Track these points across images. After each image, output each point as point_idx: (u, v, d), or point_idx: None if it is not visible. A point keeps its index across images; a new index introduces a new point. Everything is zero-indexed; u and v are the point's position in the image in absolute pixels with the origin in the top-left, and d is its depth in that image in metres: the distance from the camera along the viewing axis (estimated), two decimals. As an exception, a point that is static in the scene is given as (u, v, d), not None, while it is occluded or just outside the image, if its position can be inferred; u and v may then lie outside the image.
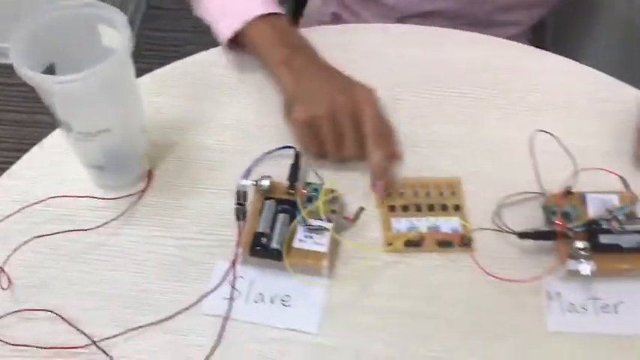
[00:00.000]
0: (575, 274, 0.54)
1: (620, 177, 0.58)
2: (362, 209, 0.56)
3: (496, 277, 0.55)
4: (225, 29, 0.68)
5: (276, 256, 0.54)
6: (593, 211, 0.58)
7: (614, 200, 0.59)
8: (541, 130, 0.61)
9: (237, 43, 0.70)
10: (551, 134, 0.62)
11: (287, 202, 0.57)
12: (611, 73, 0.71)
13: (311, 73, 0.63)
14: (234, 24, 0.67)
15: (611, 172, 0.59)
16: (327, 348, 0.52)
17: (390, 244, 0.57)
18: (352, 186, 0.61)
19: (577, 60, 0.72)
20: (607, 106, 0.68)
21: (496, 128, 0.66)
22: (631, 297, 0.55)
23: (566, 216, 0.58)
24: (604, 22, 1.02)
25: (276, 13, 0.67)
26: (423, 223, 0.58)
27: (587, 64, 0.72)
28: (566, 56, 0.73)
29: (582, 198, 0.59)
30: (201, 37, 0.83)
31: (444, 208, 0.60)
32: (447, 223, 0.59)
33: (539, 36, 1.16)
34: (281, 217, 0.56)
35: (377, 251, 0.57)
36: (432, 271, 0.56)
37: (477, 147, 0.65)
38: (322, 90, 0.61)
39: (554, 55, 0.74)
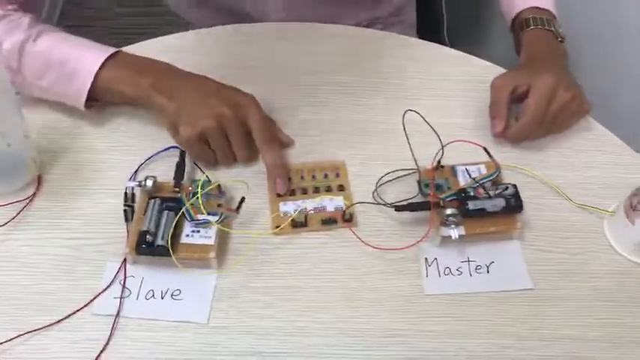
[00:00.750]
0: (448, 239, 0.59)
1: (484, 148, 0.63)
2: (243, 199, 0.59)
3: (376, 248, 0.59)
4: (75, 93, 0.64)
5: (162, 252, 0.55)
6: (463, 181, 0.63)
7: (482, 170, 0.64)
8: (410, 110, 0.65)
9: (93, 99, 0.66)
10: (418, 113, 0.66)
11: (173, 199, 0.59)
12: (506, 63, 0.77)
13: (184, 89, 0.63)
14: (85, 82, 0.63)
15: (472, 142, 0.64)
16: (219, 329, 0.54)
17: (277, 227, 0.60)
18: (242, 178, 0.64)
19: (473, 52, 0.78)
20: (478, 87, 0.73)
21: (379, 114, 0.71)
22: (500, 257, 0.60)
23: (438, 188, 0.62)
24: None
25: (117, 52, 0.66)
26: (309, 205, 0.62)
27: (482, 55, 0.78)
28: (464, 48, 0.79)
29: (453, 170, 0.64)
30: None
31: (329, 189, 0.63)
32: (332, 203, 0.62)
33: (435, 29, 1.23)
34: (166, 214, 0.58)
35: (266, 235, 0.60)
36: (318, 248, 0.60)
37: (361, 131, 0.69)
38: (203, 103, 0.62)
39: (428, 43, 0.79)
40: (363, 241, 0.59)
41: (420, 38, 0.84)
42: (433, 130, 0.65)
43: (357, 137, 0.68)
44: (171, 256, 0.55)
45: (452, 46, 0.82)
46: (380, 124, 0.70)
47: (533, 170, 0.66)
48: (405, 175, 0.65)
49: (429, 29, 1.09)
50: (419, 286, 0.58)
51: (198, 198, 0.57)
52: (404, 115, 0.65)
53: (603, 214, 0.63)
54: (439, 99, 0.73)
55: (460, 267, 0.60)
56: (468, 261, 0.60)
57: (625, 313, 0.57)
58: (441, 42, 0.84)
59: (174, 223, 0.57)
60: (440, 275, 0.59)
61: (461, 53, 0.79)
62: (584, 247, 0.61)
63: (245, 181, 0.62)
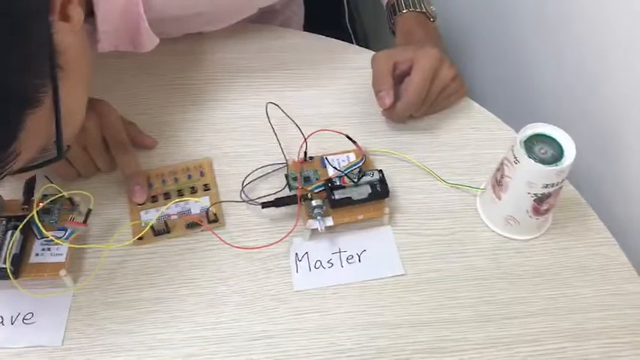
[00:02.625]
0: (318, 232, 0.57)
1: (346, 135, 0.62)
2: (90, 211, 0.55)
3: (241, 248, 0.57)
4: None
5: (4, 275, 0.51)
6: (332, 172, 0.61)
7: (352, 158, 0.63)
8: (271, 102, 0.63)
9: None
10: (277, 105, 0.64)
11: (21, 217, 0.55)
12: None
13: None
14: None
15: (333, 131, 0.63)
16: (74, 350, 0.51)
17: (140, 238, 0.57)
18: (102, 190, 0.60)
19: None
20: (352, 73, 0.72)
21: (246, 108, 0.68)
22: (372, 244, 0.59)
23: (307, 180, 0.60)
24: None
25: None
26: (172, 210, 0.59)
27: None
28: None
29: (322, 161, 0.62)
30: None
31: (194, 190, 0.60)
32: (198, 205, 0.59)
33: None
34: (10, 234, 0.54)
35: (126, 247, 0.57)
36: (183, 255, 0.57)
37: (227, 128, 0.66)
38: None
39: (304, 33, 0.78)
40: (226, 243, 0.56)
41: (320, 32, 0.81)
42: (292, 121, 0.63)
43: (223, 135, 0.66)
44: (10, 279, 0.51)
45: (358, 41, 0.80)
46: (247, 119, 0.67)
47: (404, 154, 0.65)
48: (274, 171, 0.62)
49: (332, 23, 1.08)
50: (289, 283, 0.56)
51: (35, 215, 0.53)
52: (266, 107, 0.63)
53: (476, 192, 0.63)
54: (311, 89, 0.70)
55: (331, 259, 0.58)
56: (339, 252, 0.58)
57: (496, 289, 0.56)
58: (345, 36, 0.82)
59: (17, 243, 0.53)
60: (310, 269, 0.57)
61: (339, 42, 0.77)
62: (456, 226, 0.60)
63: (87, 193, 0.56)
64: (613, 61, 0.65)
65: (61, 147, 0.43)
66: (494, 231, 0.60)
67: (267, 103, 0.62)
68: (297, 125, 0.61)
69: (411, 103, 0.64)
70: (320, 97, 0.70)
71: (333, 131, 0.62)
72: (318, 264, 0.57)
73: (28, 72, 0.37)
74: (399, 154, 0.65)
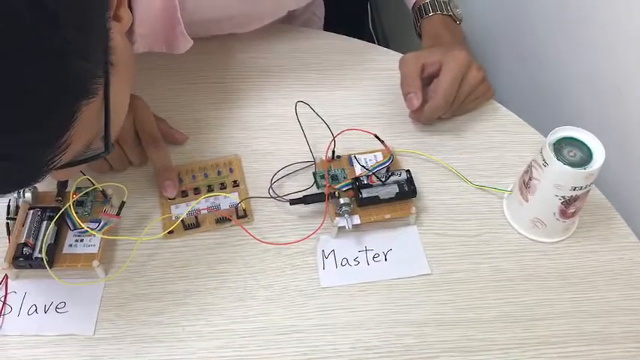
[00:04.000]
0: (344, 230, 0.58)
1: (374, 135, 0.62)
2: (123, 203, 0.56)
3: (269, 243, 0.57)
4: None
5: (40, 264, 0.53)
6: (360, 170, 0.62)
7: (379, 157, 0.63)
8: (301, 101, 0.64)
9: None
10: (307, 104, 0.65)
11: (54, 209, 0.56)
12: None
13: None
14: None
15: (362, 130, 0.63)
16: (105, 339, 0.52)
17: (170, 232, 0.58)
18: (133, 183, 0.61)
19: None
20: (377, 74, 0.72)
21: (274, 107, 0.69)
22: (398, 243, 0.59)
23: (334, 179, 0.61)
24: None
25: None
26: (202, 205, 0.60)
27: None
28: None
29: (349, 160, 0.63)
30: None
31: (223, 186, 0.61)
32: (226, 200, 0.60)
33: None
34: (45, 225, 0.55)
35: (157, 240, 0.58)
36: (213, 249, 0.58)
37: (257, 126, 0.67)
38: None
39: (328, 33, 0.78)
40: (256, 238, 0.57)
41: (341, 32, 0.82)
42: (323, 120, 0.63)
43: (252, 133, 0.67)
44: (47, 268, 0.53)
45: (379, 43, 0.81)
46: (276, 118, 0.68)
47: (431, 155, 0.65)
48: (302, 169, 0.63)
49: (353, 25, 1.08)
50: (316, 279, 0.56)
51: (70, 206, 0.54)
52: (295, 106, 0.64)
53: (502, 194, 0.63)
54: (338, 89, 0.71)
55: (357, 257, 0.59)
56: (366, 250, 0.59)
57: (522, 291, 0.57)
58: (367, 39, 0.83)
59: (51, 233, 0.54)
60: (337, 267, 0.58)
61: (364, 43, 0.78)
62: (483, 228, 0.61)
63: (122, 185, 0.57)
64: (638, 62, 0.65)
65: (108, 141, 0.44)
66: (520, 233, 0.60)
67: (297, 102, 0.63)
68: (326, 123, 0.62)
69: (440, 105, 0.65)
70: (347, 98, 0.71)
71: (362, 130, 0.63)
72: (344, 261, 0.58)
73: (88, 62, 0.38)
74: (425, 155, 0.65)
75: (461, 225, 0.61)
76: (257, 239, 0.57)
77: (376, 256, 0.59)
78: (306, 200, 0.59)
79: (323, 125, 0.65)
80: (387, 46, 0.90)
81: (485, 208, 0.62)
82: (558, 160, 0.54)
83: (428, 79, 0.67)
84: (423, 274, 0.57)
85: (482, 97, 0.69)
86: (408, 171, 0.60)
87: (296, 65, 0.73)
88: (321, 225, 0.58)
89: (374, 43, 0.94)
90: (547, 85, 0.84)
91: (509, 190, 0.62)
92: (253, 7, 0.67)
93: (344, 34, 0.79)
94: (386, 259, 0.58)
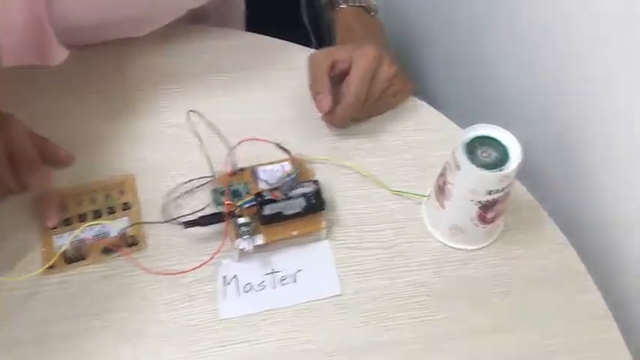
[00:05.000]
0: (245, 252, 0.53)
1: (277, 144, 0.57)
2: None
3: (160, 273, 0.51)
4: None
5: None
6: (265, 184, 0.56)
7: (287, 167, 0.58)
8: (192, 111, 0.58)
9: None
10: (197, 112, 0.59)
11: None
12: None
13: None
14: None
15: (263, 140, 0.57)
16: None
17: (51, 267, 0.52)
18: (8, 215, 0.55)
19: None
20: (290, 75, 0.66)
21: (172, 116, 0.62)
22: (309, 262, 0.54)
23: (235, 194, 0.56)
24: None
25: None
26: (87, 233, 0.53)
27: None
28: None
29: (253, 173, 0.57)
30: None
31: (112, 210, 0.55)
32: (116, 226, 0.54)
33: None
34: None
35: (35, 277, 0.51)
36: (99, 283, 0.51)
37: (150, 139, 0.61)
38: None
39: (238, 32, 0.73)
40: (145, 269, 0.51)
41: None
42: (214, 130, 0.58)
43: (148, 146, 0.60)
44: None
45: (319, 39, 0.75)
46: (176, 128, 0.61)
47: (345, 160, 0.60)
48: (202, 185, 0.57)
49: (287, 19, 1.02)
50: (214, 311, 0.51)
51: None
52: (189, 116, 0.58)
53: (421, 199, 0.58)
54: (247, 93, 0.65)
55: (263, 281, 0.53)
56: (273, 272, 0.54)
57: (440, 307, 0.52)
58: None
59: None
60: (239, 294, 0.52)
61: (280, 41, 0.72)
62: (399, 238, 0.56)
63: None
64: (573, 58, 0.61)
65: None
66: (440, 241, 0.56)
67: (189, 111, 0.57)
68: (218, 134, 0.56)
69: (351, 105, 0.59)
70: (257, 102, 0.64)
71: (261, 140, 0.57)
72: (248, 287, 0.53)
73: None
74: (339, 161, 0.60)
75: (376, 236, 0.56)
76: (146, 270, 0.51)
77: (284, 278, 0.53)
78: (201, 222, 0.53)
79: (228, 135, 0.59)
80: (325, 40, 0.84)
81: (403, 215, 0.57)
82: (471, 162, 0.49)
83: (341, 77, 0.61)
84: (334, 295, 0.52)
85: (399, 95, 0.64)
86: (315, 181, 0.55)
87: (200, 69, 0.67)
88: (220, 249, 0.52)
89: (309, 38, 0.89)
90: (478, 82, 0.80)
91: (427, 194, 0.58)
92: (138, 10, 0.60)
93: (273, 30, 0.73)
94: (295, 281, 0.53)
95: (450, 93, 0.84)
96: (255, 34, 0.72)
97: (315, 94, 0.61)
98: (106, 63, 0.66)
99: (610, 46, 0.56)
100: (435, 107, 0.66)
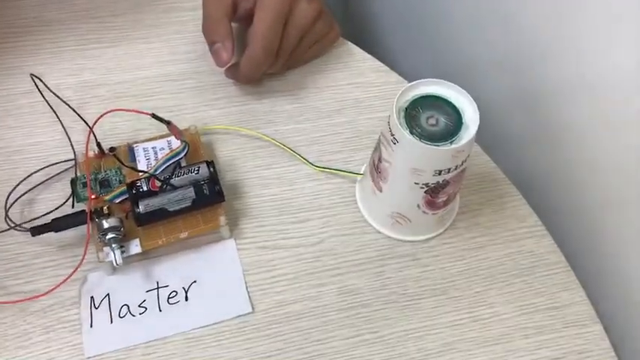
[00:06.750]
0: (115, 265, 0.39)
1: (152, 114, 0.41)
2: None
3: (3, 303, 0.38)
4: None
5: None
6: (147, 167, 0.43)
7: (175, 143, 0.44)
8: (32, 75, 0.43)
9: None
10: (38, 77, 0.44)
11: None
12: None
13: None
14: None
15: (131, 110, 0.42)
16: None
17: None
18: None
19: None
20: (182, 17, 0.51)
21: (24, 81, 0.46)
22: (208, 271, 0.40)
23: (104, 185, 0.42)
24: None
25: None
26: None
27: None
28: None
29: (131, 153, 0.43)
30: None
31: None
32: (-58, 239, 0.40)
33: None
34: None
35: None
36: None
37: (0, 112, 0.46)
38: None
39: None
40: (-26, 298, 0.38)
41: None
42: (62, 100, 0.43)
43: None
44: None
45: None
46: (30, 97, 0.46)
47: (254, 130, 0.46)
48: (62, 172, 0.43)
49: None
50: (78, 346, 0.38)
51: None
52: (34, 80, 0.43)
53: (355, 177, 0.45)
54: (128, 44, 0.49)
55: (145, 300, 0.40)
56: (157, 288, 0.40)
57: (382, 319, 0.40)
58: None
59: None
60: (112, 321, 0.39)
61: None
62: (327, 230, 0.43)
63: None
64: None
65: None
66: (380, 232, 0.43)
67: (30, 74, 0.42)
68: (71, 108, 0.42)
69: (257, 57, 0.45)
70: (141, 56, 0.49)
71: (128, 110, 0.42)
72: (124, 311, 0.39)
73: None
74: (246, 131, 0.46)
75: (297, 230, 0.43)
76: (-24, 300, 0.38)
77: (173, 295, 0.40)
78: (55, 226, 0.39)
79: (93, 104, 0.44)
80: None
81: (331, 200, 0.44)
82: (412, 133, 0.36)
83: (247, 19, 0.47)
84: (242, 314, 0.40)
85: (323, 41, 0.49)
86: (210, 163, 0.41)
87: (66, 14, 0.51)
88: (82, 262, 0.39)
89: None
90: (432, 26, 0.65)
91: (362, 173, 0.45)
92: None
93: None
94: (187, 299, 0.40)
95: (394, 40, 0.70)
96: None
97: (211, 43, 0.46)
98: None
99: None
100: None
